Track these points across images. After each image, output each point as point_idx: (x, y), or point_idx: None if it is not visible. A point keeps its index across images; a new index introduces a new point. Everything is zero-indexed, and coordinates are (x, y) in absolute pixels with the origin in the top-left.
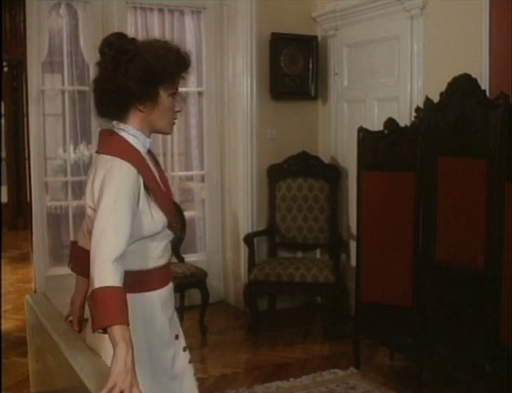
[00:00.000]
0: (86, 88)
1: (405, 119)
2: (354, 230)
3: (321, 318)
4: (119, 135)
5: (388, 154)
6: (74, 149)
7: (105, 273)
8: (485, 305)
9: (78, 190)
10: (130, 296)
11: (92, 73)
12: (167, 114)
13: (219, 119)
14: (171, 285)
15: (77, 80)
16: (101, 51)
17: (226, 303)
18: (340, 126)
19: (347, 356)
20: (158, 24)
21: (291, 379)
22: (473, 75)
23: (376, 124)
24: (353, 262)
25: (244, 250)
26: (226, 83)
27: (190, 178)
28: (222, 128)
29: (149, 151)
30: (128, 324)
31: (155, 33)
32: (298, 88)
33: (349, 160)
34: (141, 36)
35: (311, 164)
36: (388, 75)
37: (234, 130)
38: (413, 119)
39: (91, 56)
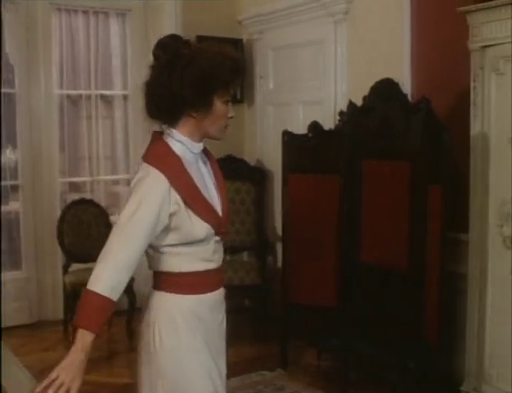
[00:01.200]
0: (12, 91)
1: (330, 122)
2: (280, 232)
3: (249, 321)
4: (164, 142)
5: (312, 157)
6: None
7: (100, 279)
8: (409, 305)
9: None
10: (180, 297)
11: (18, 74)
12: (220, 120)
13: (144, 122)
14: (221, 290)
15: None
16: (155, 53)
17: None
18: (266, 129)
19: (274, 357)
20: (83, 27)
21: None
22: (396, 80)
23: (301, 128)
24: (280, 264)
25: None
26: None
27: (117, 182)
28: (147, 132)
29: (205, 150)
30: (93, 331)
31: (80, 36)
32: None
33: (275, 162)
34: (65, 38)
35: (237, 167)
36: (313, 79)
37: None
38: (337, 122)
39: (16, 58)
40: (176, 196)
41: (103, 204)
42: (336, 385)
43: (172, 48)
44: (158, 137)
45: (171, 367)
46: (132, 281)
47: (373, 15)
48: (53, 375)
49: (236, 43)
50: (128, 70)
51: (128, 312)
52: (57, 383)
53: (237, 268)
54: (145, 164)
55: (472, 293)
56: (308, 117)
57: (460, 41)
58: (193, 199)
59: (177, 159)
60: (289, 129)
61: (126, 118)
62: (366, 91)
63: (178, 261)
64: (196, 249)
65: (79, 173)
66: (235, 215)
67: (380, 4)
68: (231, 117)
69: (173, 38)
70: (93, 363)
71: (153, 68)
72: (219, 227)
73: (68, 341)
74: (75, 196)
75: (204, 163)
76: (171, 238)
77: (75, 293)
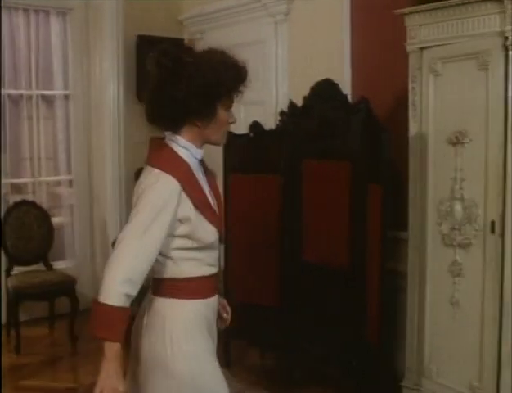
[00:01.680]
0: None
1: (271, 122)
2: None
3: None
4: (169, 148)
5: (253, 157)
6: None
7: (112, 292)
8: (351, 304)
9: None
10: (191, 303)
11: None
12: (222, 127)
13: (86, 122)
14: (216, 296)
15: None
16: (159, 61)
17: None
18: None
19: (218, 357)
20: (23, 25)
21: None
22: (336, 80)
23: (243, 128)
24: (222, 263)
25: None
26: (93, 87)
27: (58, 184)
28: (90, 132)
29: (201, 161)
30: (118, 340)
31: (21, 34)
32: None
33: (217, 163)
34: (5, 36)
35: None
36: (254, 79)
37: (101, 134)
38: (278, 122)
39: None
40: (187, 200)
41: (45, 205)
42: (280, 383)
43: (175, 56)
44: (160, 143)
45: (190, 372)
46: (73, 283)
47: (313, 17)
48: (97, 390)
49: (177, 43)
50: (69, 70)
51: (71, 316)
52: (108, 392)
53: None
54: (153, 169)
55: (411, 290)
56: (250, 117)
57: (399, 42)
58: (202, 203)
59: (185, 163)
60: (232, 129)
61: (67, 118)
62: (306, 91)
63: (188, 267)
64: (204, 254)
65: (21, 175)
66: None
67: (320, 5)
68: (233, 122)
69: (176, 45)
70: (36, 367)
71: (155, 75)
72: (221, 231)
73: (10, 345)
74: (17, 198)
75: (204, 169)
76: (182, 244)
77: (18, 296)
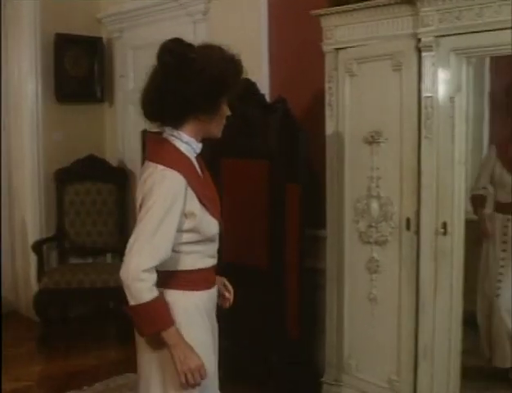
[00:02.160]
0: None
1: None
2: None
3: (114, 323)
4: (170, 143)
5: None
6: None
7: (139, 291)
8: (270, 302)
9: None
10: (194, 294)
11: None
12: (222, 120)
13: (5, 122)
14: (216, 287)
15: None
16: (162, 59)
17: (18, 313)
18: (127, 129)
19: None
20: None
21: (85, 387)
22: (254, 80)
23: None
24: None
25: (33, 257)
26: (11, 86)
27: None
28: (9, 132)
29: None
30: (171, 325)
31: None
32: (83, 90)
33: (137, 163)
34: None
35: (98, 167)
36: None
37: (19, 133)
38: None
39: None
40: (193, 195)
41: None
42: None
43: (178, 53)
44: (160, 138)
45: None
46: None
47: (231, 16)
48: (182, 379)
49: (96, 42)
50: None
51: None
52: (192, 372)
53: (100, 270)
54: (158, 166)
55: (330, 287)
56: None
57: (316, 43)
58: (205, 197)
59: (187, 159)
60: (150, 129)
61: None
62: None
63: (193, 259)
64: (207, 246)
65: None
66: (97, 216)
67: (238, 5)
68: (229, 114)
69: (178, 42)
70: None
71: (158, 73)
72: (221, 223)
73: None
74: None
75: (200, 162)
76: (190, 237)
77: None
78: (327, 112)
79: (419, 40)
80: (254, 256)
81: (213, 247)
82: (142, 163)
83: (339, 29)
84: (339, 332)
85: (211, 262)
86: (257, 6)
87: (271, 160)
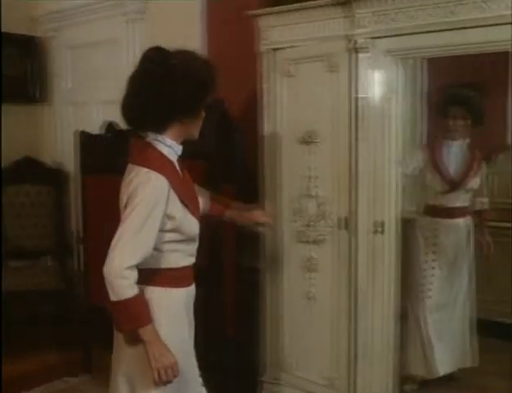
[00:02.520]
0: None
1: None
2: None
3: (53, 327)
4: (154, 147)
5: (109, 157)
6: None
7: (120, 288)
8: (208, 302)
9: None
10: (176, 291)
11: None
12: (200, 122)
13: None
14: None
15: None
16: (145, 67)
17: None
18: (65, 130)
19: (79, 363)
20: None
21: None
22: None
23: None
24: (81, 266)
25: None
26: None
27: None
28: None
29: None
30: (149, 323)
31: None
32: (19, 90)
33: (74, 164)
34: None
35: (36, 169)
36: (110, 78)
37: None
38: None
39: None
40: (174, 197)
41: None
42: None
43: (160, 61)
44: (143, 142)
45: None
46: None
47: (167, 16)
48: (155, 376)
49: (30, 41)
50: None
51: None
52: (165, 369)
53: (38, 272)
54: (142, 169)
55: (269, 286)
56: (106, 117)
57: (253, 43)
58: (187, 198)
59: (170, 162)
60: (88, 130)
61: None
62: None
63: (176, 257)
64: (188, 246)
65: None
66: (36, 219)
67: (174, 5)
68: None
69: (158, 50)
70: None
71: (141, 81)
72: (200, 222)
73: None
74: None
75: (181, 164)
76: (172, 237)
77: None
78: (264, 112)
79: (354, 41)
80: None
81: (194, 246)
82: (80, 164)
83: (275, 30)
84: (278, 331)
85: (191, 260)
86: (194, 6)
87: (209, 161)
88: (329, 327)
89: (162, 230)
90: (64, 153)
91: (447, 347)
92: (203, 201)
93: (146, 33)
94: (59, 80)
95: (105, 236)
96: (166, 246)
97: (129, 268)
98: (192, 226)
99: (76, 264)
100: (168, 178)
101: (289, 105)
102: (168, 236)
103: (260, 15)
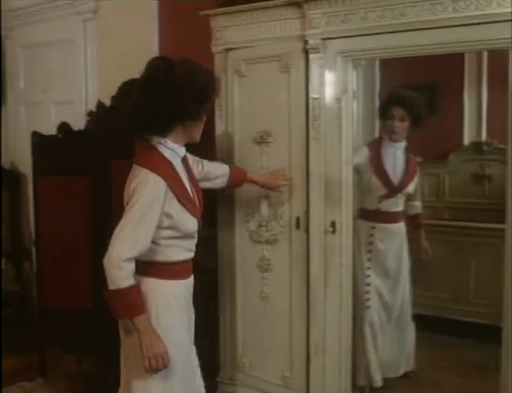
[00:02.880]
0: None
1: (81, 122)
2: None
3: (7, 331)
4: (156, 149)
5: (62, 158)
6: None
7: (118, 278)
8: None
9: None
10: (174, 283)
11: None
12: (202, 126)
13: None
14: (192, 277)
15: None
16: (152, 75)
17: None
18: (19, 130)
19: (34, 367)
20: None
21: None
22: None
23: (54, 128)
24: (34, 268)
25: None
26: None
27: None
28: None
29: (184, 157)
30: (142, 312)
31: None
32: None
33: (29, 165)
34: None
35: None
36: (64, 78)
37: None
38: (86, 122)
39: None
40: (172, 196)
41: None
42: (96, 388)
43: (166, 69)
44: (147, 145)
45: (167, 342)
46: None
47: (122, 15)
48: (146, 363)
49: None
50: None
51: None
52: (156, 358)
53: None
54: (143, 169)
55: (222, 287)
56: (60, 117)
57: (206, 43)
58: (184, 198)
59: (169, 164)
60: (42, 130)
61: None
62: (115, 91)
63: (173, 252)
64: (186, 242)
65: None
66: None
67: (129, 4)
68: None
69: (163, 59)
70: None
71: (149, 89)
72: (200, 220)
73: None
74: None
75: (186, 165)
76: (170, 233)
77: None
78: (217, 112)
79: (306, 42)
80: None
81: (192, 242)
82: (33, 166)
83: (228, 30)
84: (233, 331)
85: (189, 255)
86: (148, 6)
87: None
88: (282, 327)
89: (160, 227)
90: (17, 154)
91: (387, 354)
92: (222, 174)
93: (100, 33)
94: (13, 80)
95: (58, 239)
96: (164, 242)
97: (127, 260)
98: (189, 224)
99: (31, 267)
100: (165, 179)
101: (242, 105)
102: (166, 232)
103: (213, 16)
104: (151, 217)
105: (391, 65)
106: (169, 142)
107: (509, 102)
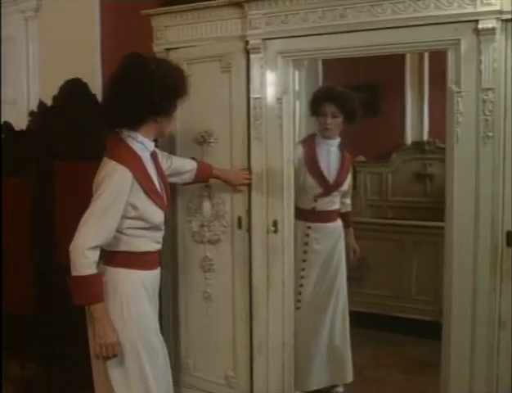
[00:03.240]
0: None
1: (23, 123)
2: None
3: None
4: (124, 142)
5: (4, 159)
6: None
7: (83, 264)
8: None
9: None
10: (141, 273)
11: None
12: (170, 121)
13: None
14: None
15: None
16: (128, 71)
17: None
18: None
19: None
20: None
21: None
22: (85, 80)
23: None
24: None
25: None
26: None
27: None
28: None
29: (153, 153)
30: (100, 301)
31: None
32: None
33: None
34: None
35: None
36: (5, 78)
37: None
38: (28, 123)
39: None
40: (138, 188)
41: None
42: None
43: (140, 65)
44: (117, 138)
45: (137, 330)
46: None
47: (64, 14)
48: (98, 350)
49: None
50: None
51: None
52: (106, 346)
53: None
54: (111, 161)
55: (165, 287)
56: (3, 117)
57: (147, 42)
58: (151, 190)
59: (138, 157)
60: None
61: None
62: (57, 90)
63: (140, 243)
64: (153, 233)
65: None
66: None
67: (70, 3)
68: None
69: (137, 56)
70: None
71: (124, 85)
72: (166, 213)
73: None
74: None
75: (155, 159)
76: (137, 224)
77: None
78: None
79: (247, 42)
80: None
81: (160, 234)
82: None
83: (169, 30)
84: (176, 332)
85: (157, 247)
86: (89, 5)
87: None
88: (226, 327)
89: (126, 217)
90: None
91: (320, 362)
92: (191, 169)
93: (42, 32)
94: None
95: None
96: (130, 232)
97: (91, 248)
98: (155, 216)
99: None
100: (132, 171)
101: (184, 105)
102: (133, 223)
103: (154, 15)
104: (116, 207)
105: (333, 65)
106: (139, 136)
107: (448, 102)
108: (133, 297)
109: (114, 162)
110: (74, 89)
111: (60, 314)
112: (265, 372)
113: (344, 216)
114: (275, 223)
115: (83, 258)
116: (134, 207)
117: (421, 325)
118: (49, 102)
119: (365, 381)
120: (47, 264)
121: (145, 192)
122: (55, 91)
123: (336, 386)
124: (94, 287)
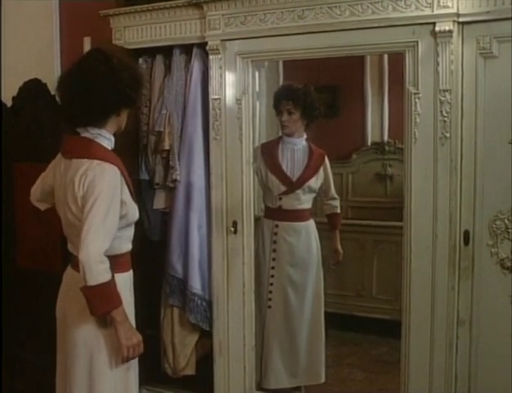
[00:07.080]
0: None
1: None
2: None
3: None
4: (95, 141)
5: None
6: None
7: (99, 273)
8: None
9: None
10: (121, 276)
11: None
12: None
13: None
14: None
15: None
16: (92, 66)
17: None
18: None
19: None
20: None
21: None
22: (44, 80)
23: None
24: None
25: None
26: None
27: None
28: None
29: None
30: (120, 304)
31: None
32: None
33: None
34: None
35: None
36: None
37: None
38: None
39: None
40: (124, 183)
41: None
42: None
43: (104, 59)
44: (81, 138)
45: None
46: None
47: (23, 15)
48: (124, 352)
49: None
50: None
51: None
52: (134, 347)
53: None
54: (93, 161)
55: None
56: None
57: (106, 43)
58: (130, 185)
59: (112, 153)
60: None
61: None
62: (16, 91)
63: (119, 243)
64: (130, 231)
65: None
66: None
67: (30, 4)
68: None
69: (99, 50)
70: None
71: (85, 79)
72: None
73: None
74: None
75: None
76: (121, 223)
77: None
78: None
79: (206, 43)
80: (49, 262)
81: (132, 231)
82: None
83: (127, 30)
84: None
85: (131, 246)
86: (49, 6)
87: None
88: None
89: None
90: None
91: (286, 361)
92: None
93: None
94: None
95: None
96: (124, 231)
97: (104, 257)
98: (135, 210)
99: None
100: (118, 167)
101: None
102: (120, 222)
103: (113, 15)
104: (116, 206)
105: (294, 66)
106: (106, 133)
107: (406, 103)
108: (124, 303)
109: (96, 161)
110: (33, 90)
111: (20, 316)
112: (226, 373)
113: (330, 217)
114: (234, 224)
115: (101, 264)
116: (123, 203)
117: (382, 324)
118: (9, 103)
119: (326, 380)
120: (6, 266)
121: (128, 187)
122: (14, 92)
123: (298, 388)
124: (114, 291)
